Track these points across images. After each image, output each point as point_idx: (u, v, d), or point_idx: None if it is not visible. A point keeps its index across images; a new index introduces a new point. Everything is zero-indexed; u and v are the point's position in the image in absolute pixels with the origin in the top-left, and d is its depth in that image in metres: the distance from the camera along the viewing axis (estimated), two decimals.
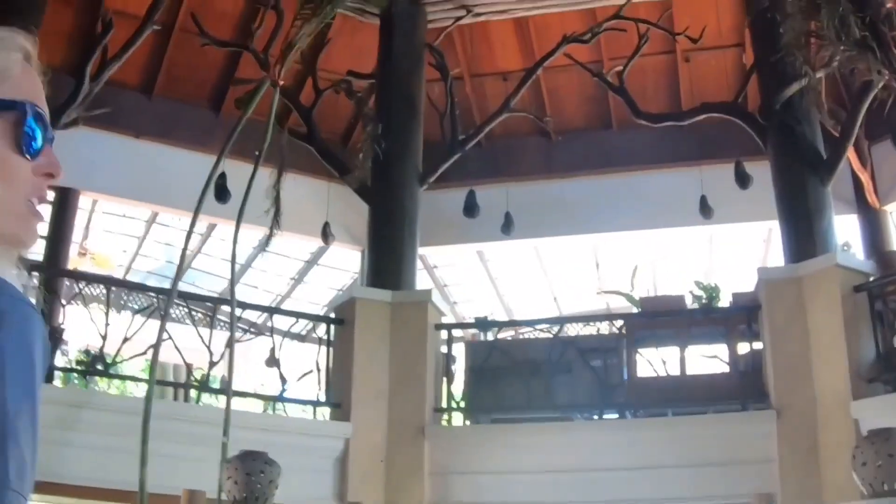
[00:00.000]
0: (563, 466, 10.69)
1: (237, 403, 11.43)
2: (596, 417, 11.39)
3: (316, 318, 11.77)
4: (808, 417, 10.04)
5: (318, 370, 11.28)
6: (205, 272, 19.22)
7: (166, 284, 20.72)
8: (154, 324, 10.06)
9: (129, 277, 19.03)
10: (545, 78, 15.75)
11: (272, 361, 13.88)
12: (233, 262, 9.47)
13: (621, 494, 10.53)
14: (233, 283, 9.43)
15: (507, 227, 14.95)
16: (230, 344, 9.26)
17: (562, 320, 13.06)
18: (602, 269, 19.08)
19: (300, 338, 16.31)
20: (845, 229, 13.82)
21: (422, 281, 19.25)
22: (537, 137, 15.96)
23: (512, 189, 15.58)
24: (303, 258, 19.89)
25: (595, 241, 18.08)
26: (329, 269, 20.03)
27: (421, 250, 17.44)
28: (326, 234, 14.85)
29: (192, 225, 9.62)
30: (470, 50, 16.26)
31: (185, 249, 9.37)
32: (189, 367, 11.11)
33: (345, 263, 19.08)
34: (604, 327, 11.74)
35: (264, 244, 19.06)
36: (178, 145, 14.80)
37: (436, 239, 16.15)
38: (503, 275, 19.91)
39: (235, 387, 9.42)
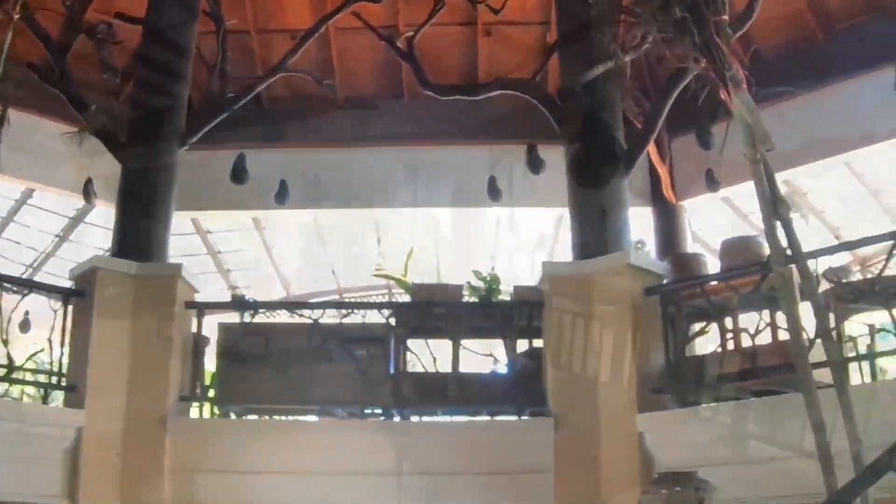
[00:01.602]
0: (324, 468, 9.69)
1: None
2: (360, 413, 10.38)
3: (49, 289, 10.34)
4: (588, 428, 9.38)
5: (52, 348, 9.88)
6: None
7: None
8: None
9: None
10: (338, 40, 14.83)
11: (25, 326, 12.54)
12: None
13: (385, 500, 9.67)
14: None
15: (282, 196, 13.98)
16: None
17: (323, 305, 12.03)
18: (384, 245, 18.33)
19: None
20: (638, 223, 13.34)
21: (194, 246, 18.19)
22: (324, 103, 14.92)
23: (291, 155, 14.67)
24: (68, 214, 18.48)
25: (377, 217, 17.25)
26: (98, 228, 18.63)
27: (195, 214, 16.42)
28: (88, 192, 13.77)
29: None
30: (259, 4, 15.03)
31: None
32: None
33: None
34: (373, 314, 10.68)
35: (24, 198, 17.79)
36: None
37: (210, 203, 15.41)
38: (281, 244, 18.96)
39: None
